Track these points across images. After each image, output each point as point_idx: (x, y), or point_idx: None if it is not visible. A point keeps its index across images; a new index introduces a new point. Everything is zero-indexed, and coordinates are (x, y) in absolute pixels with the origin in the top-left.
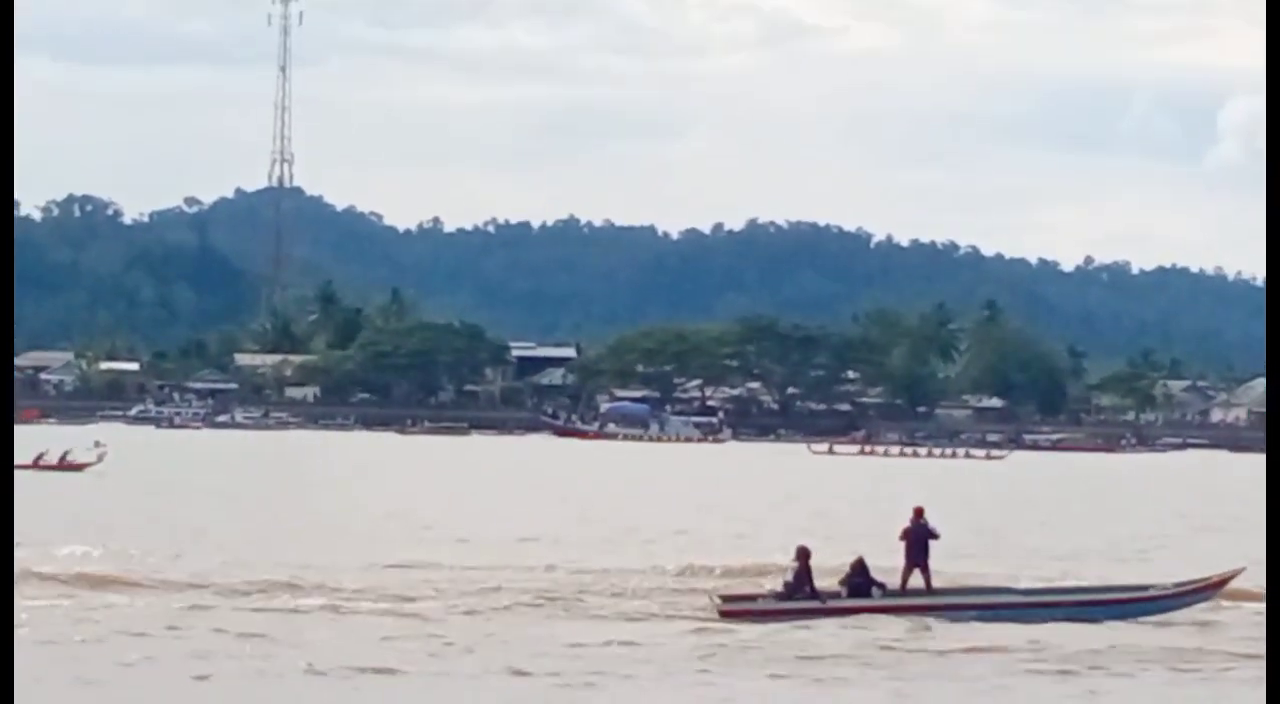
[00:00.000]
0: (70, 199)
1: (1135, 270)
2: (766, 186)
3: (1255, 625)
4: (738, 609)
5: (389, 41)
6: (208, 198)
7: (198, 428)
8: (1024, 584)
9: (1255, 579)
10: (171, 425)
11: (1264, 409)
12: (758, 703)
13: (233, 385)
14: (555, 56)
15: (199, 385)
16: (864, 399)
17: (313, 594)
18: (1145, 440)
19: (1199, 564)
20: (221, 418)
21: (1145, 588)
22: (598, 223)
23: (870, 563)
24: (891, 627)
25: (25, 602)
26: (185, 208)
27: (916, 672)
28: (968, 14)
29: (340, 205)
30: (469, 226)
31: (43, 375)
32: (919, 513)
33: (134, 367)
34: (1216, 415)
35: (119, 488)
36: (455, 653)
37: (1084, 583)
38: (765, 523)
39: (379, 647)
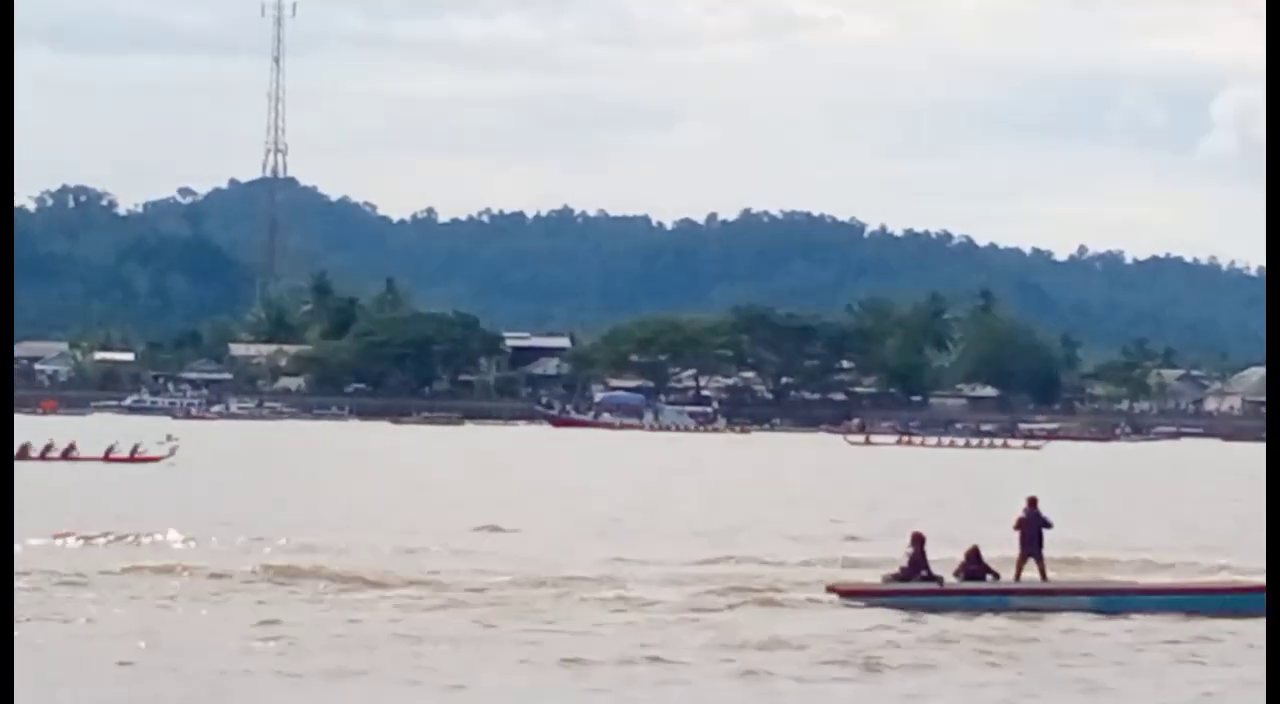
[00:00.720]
0: (64, 189)
1: (1129, 260)
2: (760, 176)
3: None
4: (856, 589)
5: (382, 32)
6: (202, 188)
7: (213, 418)
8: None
9: None
10: (188, 416)
11: (1258, 398)
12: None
13: (227, 375)
14: (548, 47)
15: (193, 375)
16: (858, 388)
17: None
18: (1139, 429)
19: None
20: (216, 408)
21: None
22: (592, 213)
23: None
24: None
25: (302, 605)
26: (179, 198)
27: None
28: (960, 4)
29: (334, 195)
30: (463, 217)
31: (37, 366)
32: (1033, 503)
33: (129, 357)
34: (1210, 404)
35: (211, 479)
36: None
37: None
38: (878, 518)
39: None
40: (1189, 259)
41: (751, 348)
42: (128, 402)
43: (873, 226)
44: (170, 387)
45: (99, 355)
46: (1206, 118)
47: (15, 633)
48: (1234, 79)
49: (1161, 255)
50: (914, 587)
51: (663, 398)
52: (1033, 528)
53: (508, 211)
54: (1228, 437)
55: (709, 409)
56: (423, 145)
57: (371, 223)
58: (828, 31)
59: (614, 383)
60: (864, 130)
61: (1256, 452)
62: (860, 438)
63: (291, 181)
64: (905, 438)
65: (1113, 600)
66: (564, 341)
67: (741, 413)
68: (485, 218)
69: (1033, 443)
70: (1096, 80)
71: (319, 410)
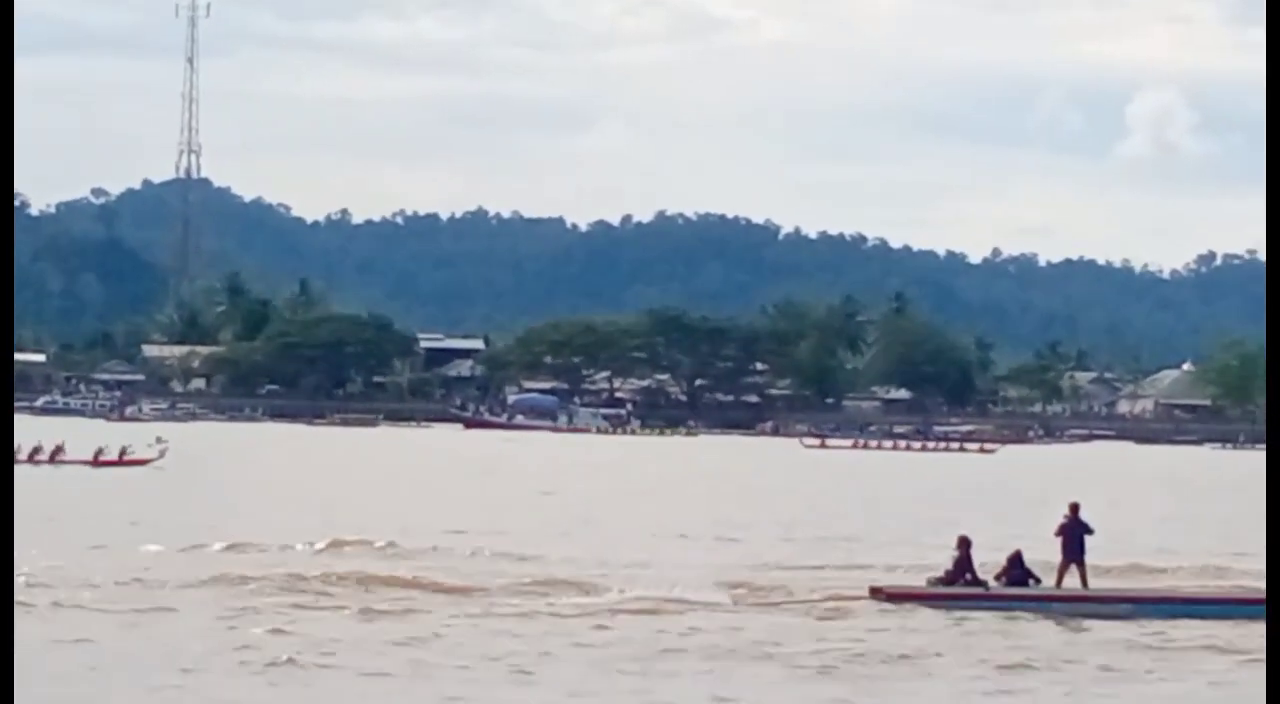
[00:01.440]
0: None
1: (1042, 262)
2: (675, 179)
3: None
4: (902, 592)
5: (297, 33)
6: (115, 189)
7: (148, 420)
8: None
9: None
10: (123, 419)
11: (1170, 400)
12: None
13: (140, 377)
14: (464, 49)
15: (106, 376)
16: (772, 390)
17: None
18: (1051, 432)
19: None
20: (129, 410)
21: None
22: (506, 214)
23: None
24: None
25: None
26: (92, 199)
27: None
28: (877, 8)
29: (248, 197)
30: (377, 218)
31: None
32: (1075, 509)
33: (40, 358)
34: (1123, 407)
35: (209, 483)
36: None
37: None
38: (889, 526)
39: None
40: (1102, 262)
41: (666, 350)
42: (39, 403)
43: (787, 229)
44: (83, 388)
45: None
46: (1121, 122)
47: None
48: (1149, 83)
49: (1075, 258)
50: (959, 591)
51: (577, 400)
52: (1074, 534)
53: (422, 213)
54: (1141, 439)
55: (623, 411)
56: (337, 147)
57: (286, 224)
58: (744, 34)
59: (528, 385)
60: (779, 133)
61: (1192, 454)
62: (816, 441)
63: (205, 182)
64: (861, 442)
65: (1156, 608)
66: (478, 343)
67: (656, 415)
68: (399, 219)
69: (989, 446)
70: (1013, 84)
71: (233, 412)
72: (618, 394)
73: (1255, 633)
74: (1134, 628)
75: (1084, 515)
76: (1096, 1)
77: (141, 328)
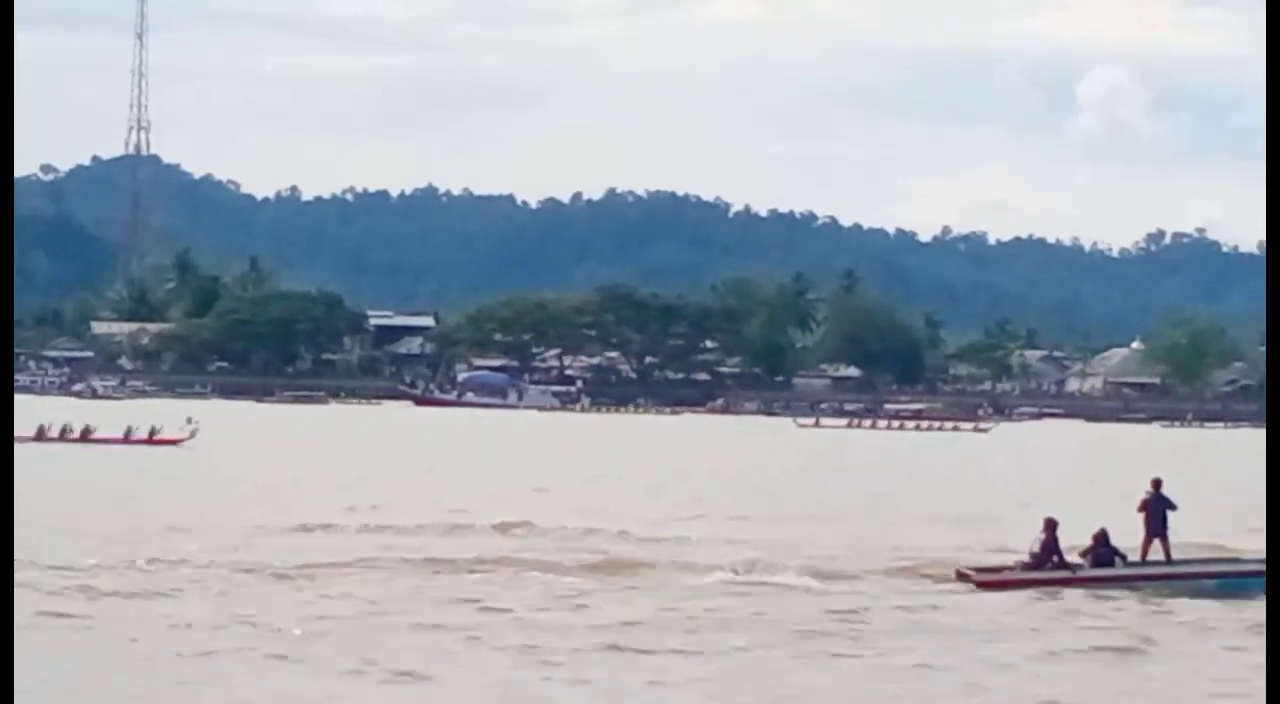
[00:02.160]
0: None
1: (992, 241)
2: (625, 156)
3: None
4: (992, 580)
5: (247, 9)
6: (64, 165)
7: (119, 398)
8: None
9: None
10: (94, 396)
11: (1119, 379)
12: None
13: (89, 354)
14: (415, 25)
15: (55, 353)
16: (722, 368)
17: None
18: (1001, 410)
19: None
20: (78, 386)
21: None
22: (456, 192)
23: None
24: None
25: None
26: (41, 175)
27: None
28: None
29: (198, 173)
30: (327, 195)
31: None
32: (1157, 485)
33: None
34: (1072, 385)
35: (258, 463)
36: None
37: None
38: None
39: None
40: (1052, 240)
41: (616, 327)
42: None
43: (737, 206)
44: (32, 365)
45: None
46: (1072, 100)
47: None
48: (1100, 62)
49: (1025, 236)
50: (1049, 575)
51: (527, 377)
52: (1158, 510)
53: (372, 190)
54: (1090, 417)
55: (573, 389)
56: (287, 123)
57: (235, 201)
58: (696, 11)
59: (478, 362)
60: (731, 111)
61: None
62: (810, 421)
63: (155, 159)
64: (855, 420)
65: (1241, 582)
66: (428, 321)
67: (606, 392)
68: (349, 196)
69: (983, 425)
70: (965, 62)
71: (182, 389)
72: (567, 372)
73: None
74: (1218, 602)
75: (1165, 491)
76: None
77: (91, 305)
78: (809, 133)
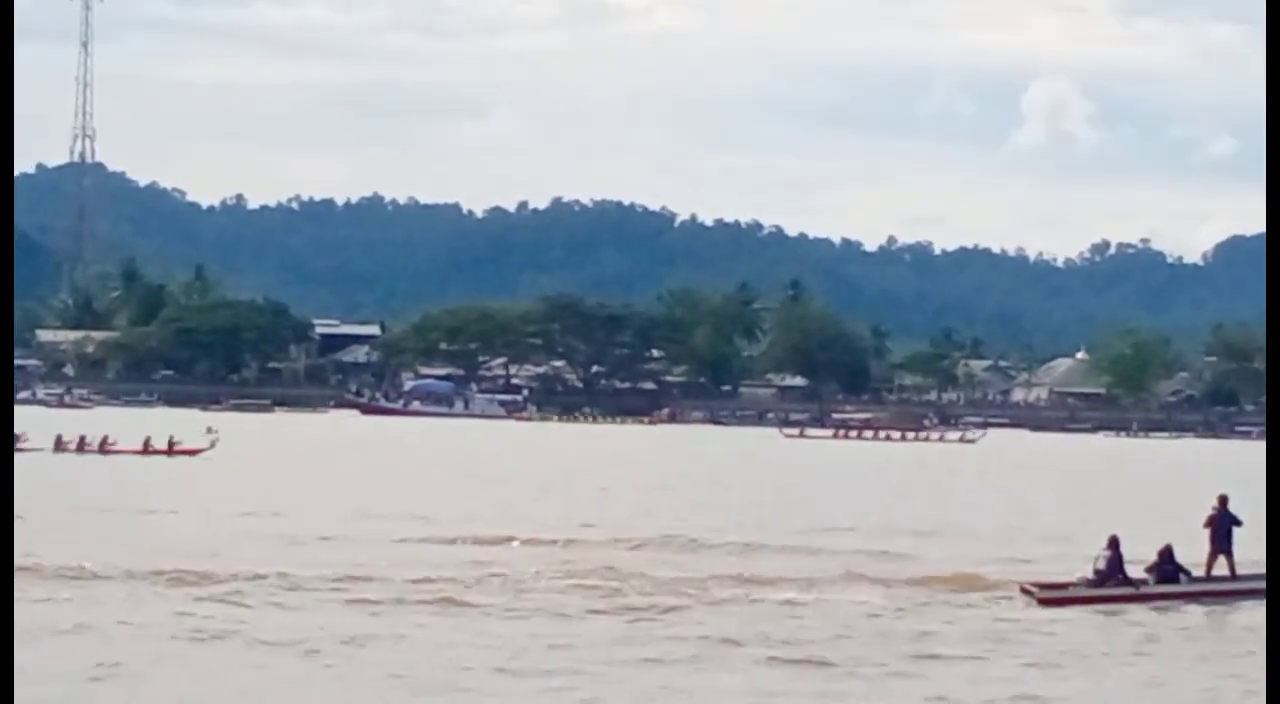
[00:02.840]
0: None
1: (937, 251)
2: (571, 165)
3: None
4: (1055, 596)
5: (191, 18)
6: None
7: (89, 407)
8: None
9: None
10: (62, 405)
11: (1064, 389)
12: None
13: (34, 362)
14: (358, 35)
15: None
16: (668, 377)
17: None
18: (947, 420)
19: None
20: (23, 394)
21: None
22: (402, 200)
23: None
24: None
25: None
26: None
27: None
28: None
29: (143, 181)
30: (272, 203)
31: None
32: (1223, 501)
33: None
34: (1017, 395)
35: (290, 473)
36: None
37: None
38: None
39: None
40: (997, 251)
41: (562, 337)
42: None
43: (683, 216)
44: None
45: None
46: (1016, 111)
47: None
48: (1043, 72)
49: (970, 246)
50: (1113, 591)
51: (473, 386)
52: (1223, 526)
53: (317, 199)
54: (1035, 427)
55: (519, 397)
56: (232, 132)
57: (180, 209)
58: (639, 21)
59: (424, 371)
60: (675, 120)
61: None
62: (795, 431)
63: (99, 167)
64: (841, 431)
65: None
66: (374, 329)
67: (551, 401)
68: (295, 205)
69: (969, 435)
70: (907, 74)
71: (128, 397)
72: (514, 380)
73: None
74: None
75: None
76: None
77: (35, 313)
78: (754, 143)
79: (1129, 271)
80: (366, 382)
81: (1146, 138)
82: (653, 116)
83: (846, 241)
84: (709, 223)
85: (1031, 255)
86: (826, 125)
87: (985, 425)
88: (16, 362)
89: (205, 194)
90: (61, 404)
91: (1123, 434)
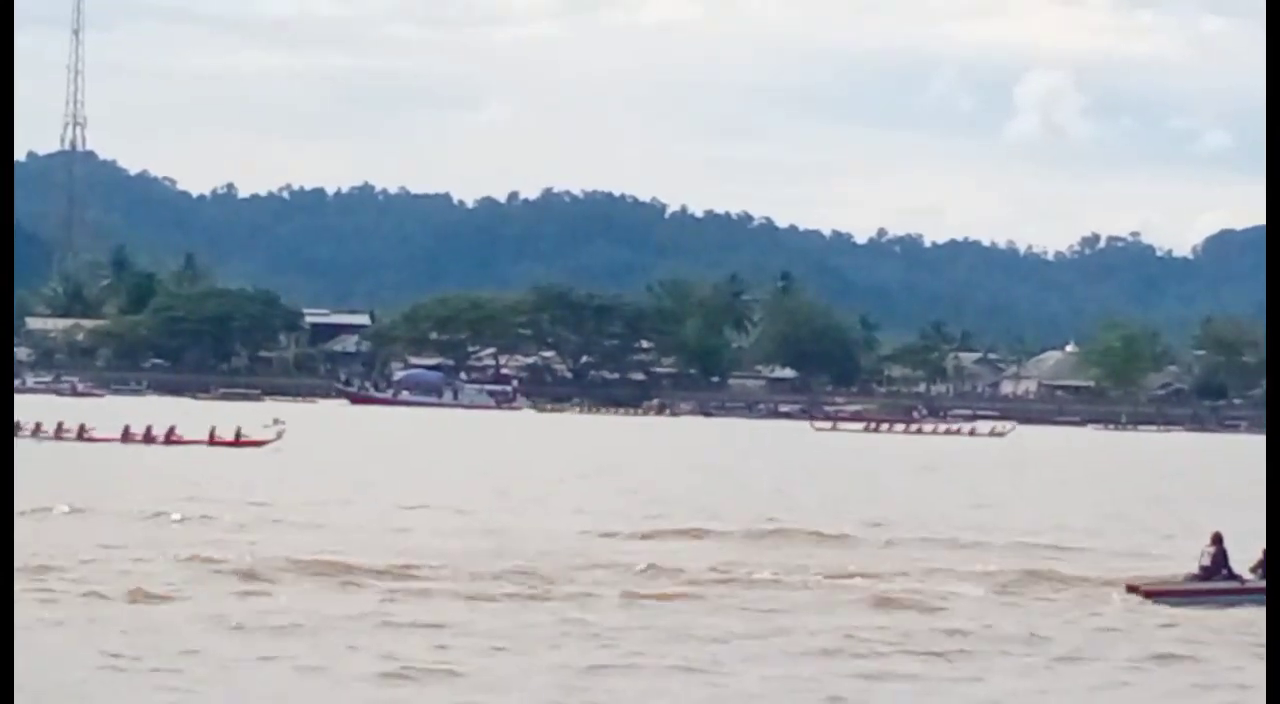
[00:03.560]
0: None
1: (928, 243)
2: (562, 156)
3: None
4: (1161, 589)
5: (182, 7)
6: None
7: (101, 396)
8: None
9: None
10: (74, 394)
11: (1053, 381)
12: None
13: (24, 350)
14: (352, 25)
15: None
16: (658, 368)
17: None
18: (936, 412)
19: None
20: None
21: None
22: (393, 190)
23: None
24: None
25: None
26: None
27: None
28: None
29: (133, 170)
30: (263, 192)
31: None
32: None
33: None
34: (1006, 387)
35: (371, 465)
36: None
37: None
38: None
39: None
40: (987, 243)
41: (551, 327)
42: None
43: (674, 207)
44: None
45: None
46: (1009, 103)
47: None
48: (1038, 65)
49: (960, 239)
50: (1218, 586)
51: (462, 376)
52: None
53: (308, 188)
54: (1024, 420)
55: (508, 388)
56: (223, 120)
57: (171, 198)
58: (633, 12)
59: (414, 361)
60: (667, 112)
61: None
62: (827, 425)
63: (91, 155)
64: (873, 424)
65: None
66: (364, 319)
67: (541, 392)
68: (286, 194)
69: (999, 428)
70: (903, 65)
71: (117, 385)
72: (503, 371)
73: None
74: None
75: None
76: None
77: (25, 301)
78: (745, 134)
79: (1119, 264)
80: (356, 371)
81: (1140, 130)
82: (645, 107)
83: (837, 233)
84: (699, 214)
85: (1022, 248)
86: (818, 116)
87: (974, 417)
88: None
89: (196, 183)
90: (75, 392)
91: (1111, 427)
